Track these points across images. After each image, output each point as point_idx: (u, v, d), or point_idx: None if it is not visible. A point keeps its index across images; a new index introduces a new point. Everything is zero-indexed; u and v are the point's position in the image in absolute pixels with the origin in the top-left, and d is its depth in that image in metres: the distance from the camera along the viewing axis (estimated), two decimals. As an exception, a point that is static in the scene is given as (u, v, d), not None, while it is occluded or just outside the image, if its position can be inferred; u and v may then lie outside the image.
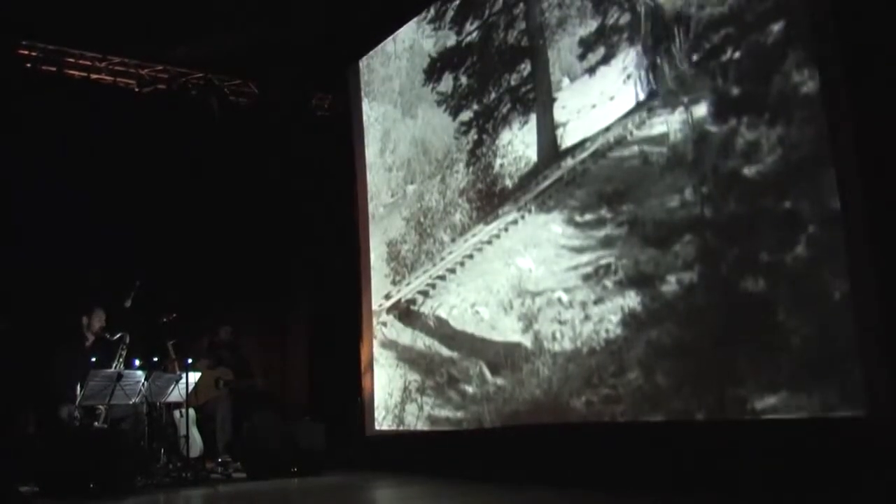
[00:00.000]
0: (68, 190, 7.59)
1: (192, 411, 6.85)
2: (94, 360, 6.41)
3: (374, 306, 7.70)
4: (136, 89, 8.38)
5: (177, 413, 6.89)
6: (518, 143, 6.06)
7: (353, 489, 6.16)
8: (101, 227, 7.65)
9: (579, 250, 5.39)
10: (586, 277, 5.31)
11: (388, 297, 7.50)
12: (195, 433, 6.97)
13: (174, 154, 8.10)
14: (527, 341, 5.75)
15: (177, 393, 6.46)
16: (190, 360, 6.66)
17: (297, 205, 9.04)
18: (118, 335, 6.57)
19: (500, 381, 5.98)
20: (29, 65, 7.83)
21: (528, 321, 5.74)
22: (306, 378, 9.01)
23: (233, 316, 8.31)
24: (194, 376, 6.60)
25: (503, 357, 5.96)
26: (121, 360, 6.51)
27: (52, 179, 7.53)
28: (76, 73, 8.11)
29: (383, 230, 7.65)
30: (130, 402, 6.23)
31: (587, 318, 5.27)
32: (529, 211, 5.87)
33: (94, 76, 8.19)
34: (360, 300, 7.92)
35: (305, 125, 9.06)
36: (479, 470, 5.92)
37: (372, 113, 8.07)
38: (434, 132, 6.97)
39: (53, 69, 7.95)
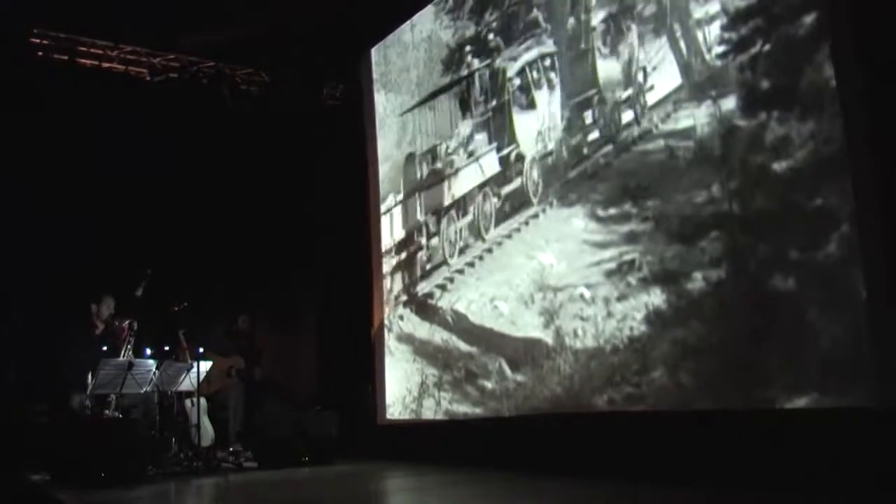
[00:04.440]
0: (79, 178, 7.59)
1: (203, 400, 6.82)
2: (104, 348, 6.42)
3: (390, 298, 7.62)
4: (148, 78, 8.35)
5: (188, 402, 6.86)
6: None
7: (366, 478, 6.10)
8: (112, 216, 7.66)
9: (602, 245, 5.30)
10: (609, 273, 5.22)
11: (404, 290, 7.43)
12: (206, 422, 6.94)
13: (185, 142, 8.06)
14: (548, 337, 5.67)
15: (188, 382, 6.45)
16: (202, 349, 6.62)
17: (308, 194, 9.00)
18: (126, 322, 6.57)
19: (519, 377, 5.91)
20: (41, 53, 7.82)
21: (550, 317, 5.66)
22: (316, 366, 8.97)
23: (243, 305, 8.30)
24: (206, 365, 6.57)
25: (523, 353, 5.88)
26: (129, 346, 6.48)
27: (64, 167, 7.51)
28: (88, 61, 8.09)
29: (400, 221, 7.56)
30: (142, 391, 6.21)
31: (610, 314, 5.18)
32: (551, 205, 5.77)
33: (105, 65, 8.16)
34: (371, 289, 7.87)
35: (317, 114, 9.00)
36: (491, 458, 5.88)
37: (388, 104, 7.97)
38: (454, 123, 6.88)
39: (65, 58, 7.93)
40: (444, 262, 6.87)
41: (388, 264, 7.74)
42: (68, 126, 7.56)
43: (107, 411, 6.22)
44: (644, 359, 4.91)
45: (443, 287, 6.83)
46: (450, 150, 6.94)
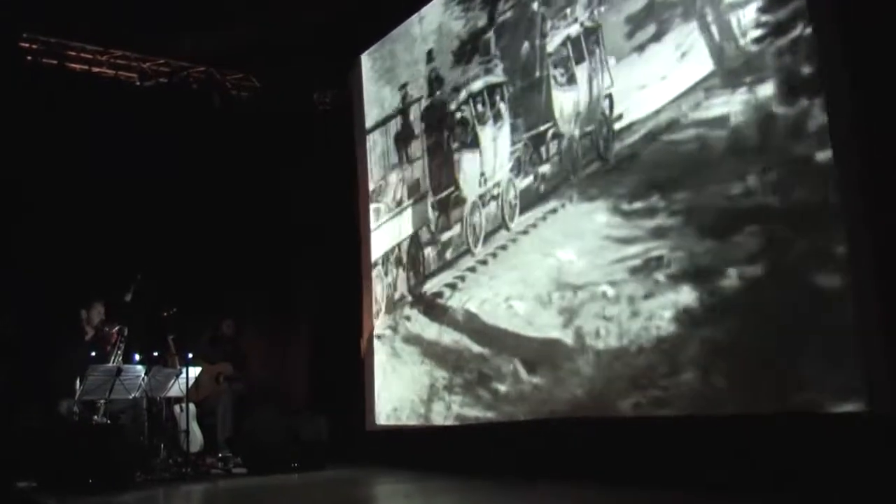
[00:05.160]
0: (69, 182, 7.49)
1: (192, 406, 6.80)
2: (93, 354, 6.36)
3: (394, 299, 7.34)
4: (138, 83, 8.30)
5: (177, 408, 6.84)
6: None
7: (356, 484, 6.07)
8: (102, 221, 7.54)
9: (627, 241, 5.04)
10: (634, 270, 4.95)
11: (410, 289, 7.15)
12: (195, 428, 6.92)
13: (175, 147, 7.93)
14: (567, 338, 5.40)
15: (177, 387, 6.42)
16: (191, 355, 6.60)
17: (299, 199, 8.82)
18: (116, 328, 6.55)
19: (536, 379, 5.64)
20: (30, 58, 7.74)
21: (569, 316, 5.39)
22: (307, 371, 8.86)
23: (234, 310, 8.26)
24: (195, 371, 6.55)
25: (540, 354, 5.61)
26: (119, 352, 6.44)
27: (53, 172, 7.41)
28: (77, 66, 8.04)
29: (406, 219, 7.28)
30: (130, 397, 6.19)
31: (635, 314, 4.91)
32: (571, 199, 5.51)
33: (95, 69, 8.11)
34: (360, 294, 7.83)
35: (307, 119, 8.93)
36: (499, 464, 5.73)
37: (394, 100, 7.68)
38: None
39: (55, 62, 7.86)
40: (455, 260, 6.60)
41: (388, 265, 7.49)
42: (58, 130, 7.45)
43: (95, 417, 6.17)
44: (673, 360, 4.65)
45: (453, 286, 6.56)
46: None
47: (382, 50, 7.88)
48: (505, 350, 5.92)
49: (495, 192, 6.42)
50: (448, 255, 6.70)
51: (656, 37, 5.01)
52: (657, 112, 4.95)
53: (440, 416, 6.54)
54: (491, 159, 6.65)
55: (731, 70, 4.53)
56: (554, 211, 5.63)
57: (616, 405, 5.01)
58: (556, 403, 5.45)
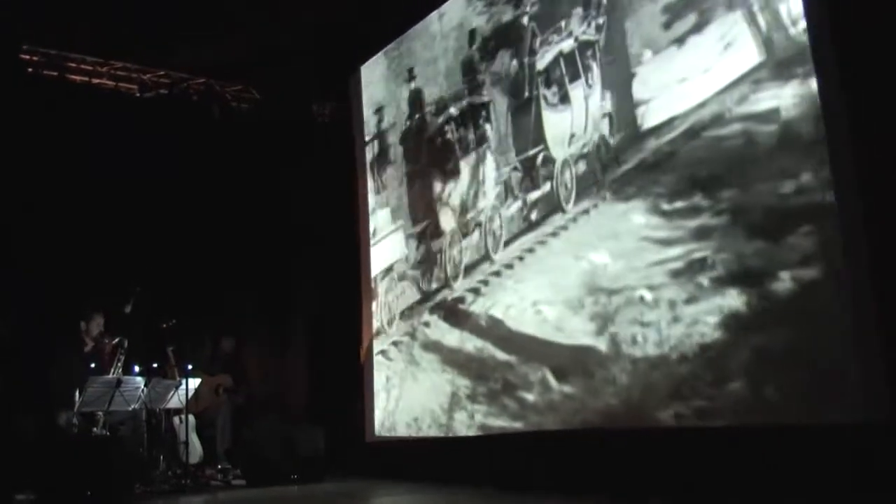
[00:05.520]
0: (68, 193, 7.47)
1: (191, 417, 6.80)
2: (92, 365, 6.35)
3: (411, 303, 7.07)
4: (138, 94, 8.30)
5: (176, 419, 6.83)
6: (578, 126, 5.45)
7: (355, 497, 6.11)
8: (101, 232, 7.53)
9: (667, 242, 4.77)
10: (676, 273, 4.69)
11: (428, 295, 6.88)
12: (195, 439, 6.92)
13: (175, 159, 7.92)
14: (601, 345, 5.12)
15: (176, 399, 6.42)
16: (190, 367, 6.60)
17: (297, 208, 8.80)
18: (116, 339, 6.55)
19: (567, 388, 5.37)
20: (31, 70, 7.76)
21: (603, 322, 5.12)
22: (306, 383, 8.84)
23: (232, 320, 8.30)
24: (194, 382, 6.55)
25: (571, 362, 5.34)
26: (119, 364, 6.44)
27: (53, 182, 7.39)
28: (78, 77, 8.05)
29: (422, 222, 7.01)
30: (129, 409, 6.17)
31: (676, 319, 4.65)
32: (604, 199, 5.25)
33: (95, 81, 8.13)
34: (360, 305, 7.78)
35: (306, 131, 8.93)
36: (484, 477, 5.76)
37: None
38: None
39: (55, 74, 7.88)
40: (477, 264, 6.33)
41: (403, 270, 7.26)
42: (58, 141, 7.43)
43: (95, 429, 6.16)
44: (719, 368, 4.38)
45: (476, 291, 6.30)
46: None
47: (400, 48, 7.62)
48: (532, 357, 5.65)
49: (481, 218, 6.43)
50: (469, 258, 6.43)
51: (697, 28, 4.75)
52: (699, 106, 4.69)
53: (463, 425, 6.26)
54: (474, 185, 6.62)
55: (781, 61, 4.27)
56: (586, 212, 5.37)
57: (655, 415, 4.73)
58: (588, 413, 5.18)
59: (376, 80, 7.85)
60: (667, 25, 4.96)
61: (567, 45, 5.86)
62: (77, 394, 6.04)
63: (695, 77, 4.74)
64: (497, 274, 6.07)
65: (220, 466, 7.18)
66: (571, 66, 5.84)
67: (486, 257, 6.24)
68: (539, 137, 6.06)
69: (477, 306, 6.25)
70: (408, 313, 7.10)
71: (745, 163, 4.39)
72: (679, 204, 4.72)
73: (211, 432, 7.30)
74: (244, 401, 7.80)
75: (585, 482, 5.02)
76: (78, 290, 7.10)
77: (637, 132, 5.10)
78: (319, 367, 8.64)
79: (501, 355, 5.94)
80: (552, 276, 5.57)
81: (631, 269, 4.98)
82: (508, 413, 5.84)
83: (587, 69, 5.66)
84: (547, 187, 5.91)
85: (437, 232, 6.94)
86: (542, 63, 6.10)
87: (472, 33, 7.10)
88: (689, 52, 4.79)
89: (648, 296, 4.84)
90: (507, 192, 6.30)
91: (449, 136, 7.11)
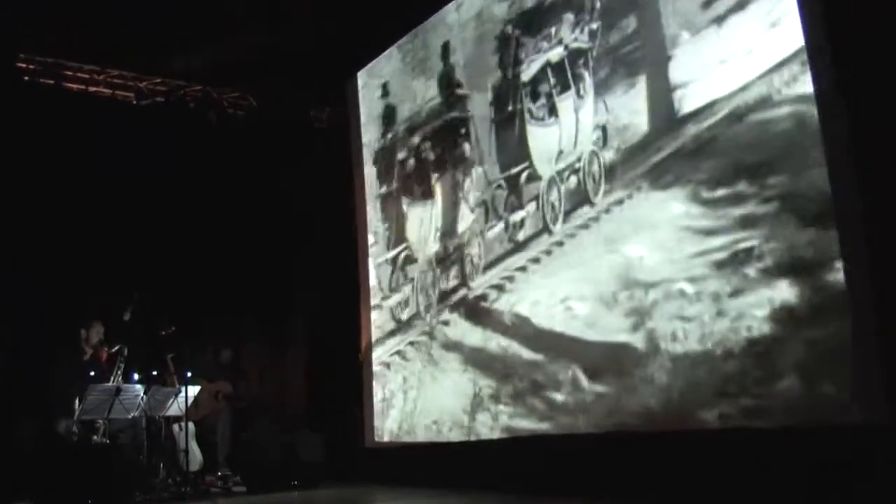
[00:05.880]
0: (66, 203, 7.43)
1: (191, 425, 6.79)
2: (92, 373, 6.33)
3: (429, 301, 6.82)
4: (135, 102, 8.29)
5: (176, 427, 6.81)
6: (622, 112, 5.19)
7: (355, 503, 6.16)
8: (100, 239, 7.50)
9: (709, 232, 4.51)
10: (720, 265, 4.43)
11: (446, 294, 6.62)
12: (194, 447, 6.89)
13: (173, 166, 7.89)
14: (637, 341, 4.86)
15: (176, 407, 6.40)
16: (189, 374, 6.56)
17: (295, 216, 8.77)
18: (116, 347, 6.52)
19: (600, 387, 5.11)
20: (27, 78, 7.75)
21: (639, 318, 4.86)
22: (305, 388, 8.83)
23: (231, 327, 8.31)
24: (193, 390, 6.53)
25: (604, 360, 5.08)
26: (119, 372, 6.42)
27: (51, 192, 7.36)
28: (74, 85, 8.03)
29: (438, 217, 6.76)
30: (129, 416, 6.14)
31: (721, 313, 4.39)
32: (639, 188, 4.99)
33: (92, 89, 8.11)
34: (358, 310, 7.75)
35: (304, 136, 8.93)
36: (481, 481, 5.77)
37: (427, 93, 7.15)
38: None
39: (52, 82, 7.87)
40: (500, 260, 6.08)
41: (421, 265, 7.00)
42: (55, 149, 7.39)
43: (95, 437, 6.11)
44: (769, 365, 4.12)
45: (499, 287, 6.04)
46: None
47: (415, 41, 7.38)
48: (562, 356, 5.39)
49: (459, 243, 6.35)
50: (493, 254, 6.19)
51: (739, 6, 4.50)
52: (742, 89, 4.44)
53: (486, 427, 6.00)
54: (449, 211, 6.63)
55: (835, 38, 4.02)
56: (619, 202, 5.11)
57: (697, 416, 4.47)
58: (623, 414, 4.91)
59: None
60: (706, 4, 4.72)
61: (555, 53, 5.73)
62: (77, 402, 5.99)
63: (737, 58, 4.49)
64: (523, 269, 5.81)
65: (220, 473, 7.15)
66: (560, 76, 5.73)
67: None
68: (523, 154, 5.97)
69: (501, 303, 5.99)
70: (436, 306, 6.81)
71: (793, 147, 4.14)
72: (722, 191, 4.47)
73: (211, 439, 7.26)
74: (245, 404, 7.75)
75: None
76: (77, 298, 7.10)
77: (674, 118, 4.85)
78: (319, 373, 8.61)
79: (528, 354, 5.68)
80: (583, 270, 5.32)
81: (669, 261, 4.72)
82: (536, 414, 5.57)
83: (578, 79, 5.57)
84: (532, 207, 5.83)
85: (411, 258, 7.09)
86: (527, 74, 5.93)
87: (446, 47, 7.00)
88: (731, 31, 4.54)
89: (689, 289, 4.58)
90: (489, 213, 6.25)
91: (424, 155, 7.08)
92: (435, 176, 6.90)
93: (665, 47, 4.93)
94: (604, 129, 5.35)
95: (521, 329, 5.75)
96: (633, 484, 4.71)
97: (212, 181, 8.15)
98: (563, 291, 5.45)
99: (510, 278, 5.93)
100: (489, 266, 6.14)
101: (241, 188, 8.35)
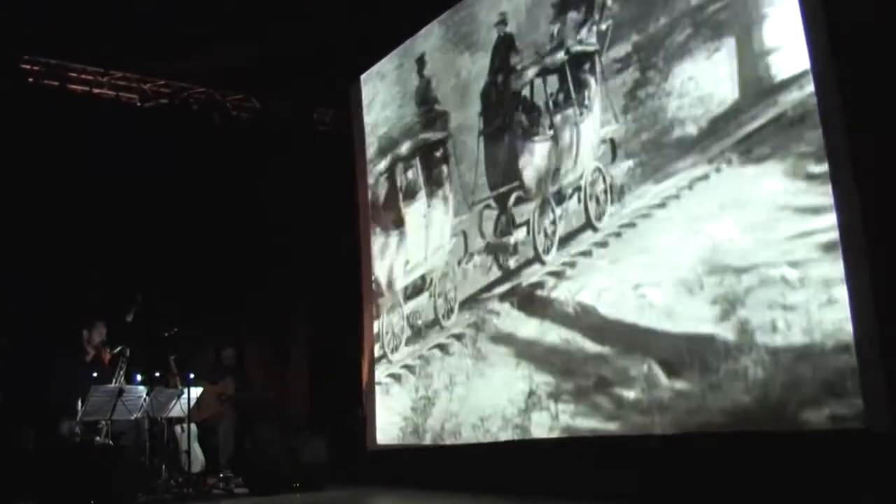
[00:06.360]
0: (70, 204, 7.44)
1: (193, 426, 6.79)
2: (95, 374, 6.30)
3: (476, 290, 6.36)
4: (139, 104, 8.31)
5: (178, 428, 6.79)
6: (705, 78, 4.68)
7: None
8: (102, 241, 7.52)
9: (815, 211, 4.01)
10: (828, 247, 3.93)
11: (494, 283, 6.14)
12: (197, 448, 6.89)
13: (176, 168, 7.92)
14: (726, 333, 4.36)
15: (178, 408, 6.40)
16: (192, 375, 6.55)
17: (299, 217, 8.74)
18: (118, 348, 6.53)
19: (680, 384, 4.60)
20: (31, 79, 7.76)
21: (730, 306, 4.35)
22: (308, 391, 8.86)
23: (233, 329, 8.27)
24: (196, 391, 6.50)
25: (686, 353, 4.58)
26: (121, 373, 6.43)
27: (55, 193, 7.37)
28: (79, 87, 8.03)
29: (484, 195, 6.31)
30: (132, 418, 6.15)
31: (831, 301, 3.88)
32: (728, 162, 4.48)
33: (96, 91, 8.11)
34: (361, 313, 7.76)
35: (308, 139, 8.95)
36: (487, 483, 5.69)
37: (474, 68, 6.66)
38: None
39: (56, 84, 7.87)
40: (556, 245, 5.59)
41: (444, 252, 6.61)
42: (59, 150, 7.40)
43: (98, 438, 6.09)
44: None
45: (559, 274, 5.54)
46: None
47: (459, 14, 6.91)
48: (634, 349, 4.89)
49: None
50: (550, 241, 5.72)
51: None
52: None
53: (543, 427, 5.51)
54: (436, 236, 6.58)
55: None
56: (704, 177, 4.60)
57: (800, 417, 3.98)
58: (710, 414, 4.41)
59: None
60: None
61: (555, 59, 5.39)
62: (79, 403, 5.98)
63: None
64: (587, 254, 5.31)
65: (222, 475, 7.13)
66: (559, 84, 5.47)
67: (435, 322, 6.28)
68: (513, 173, 5.79)
69: (561, 292, 5.50)
70: (470, 303, 6.38)
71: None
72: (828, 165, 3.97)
73: (213, 440, 7.23)
74: (250, 401, 7.70)
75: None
76: (79, 299, 7.12)
77: (767, 85, 4.34)
78: (322, 374, 8.63)
79: (593, 347, 5.19)
80: (659, 254, 4.81)
81: (766, 244, 4.22)
82: (602, 413, 5.08)
83: (582, 86, 5.31)
84: (522, 233, 5.68)
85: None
86: (519, 83, 5.51)
87: (422, 59, 6.63)
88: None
89: (791, 274, 4.08)
90: (466, 244, 6.22)
91: (397, 179, 7.09)
92: (404, 205, 6.95)
93: (759, 5, 4.42)
94: (612, 142, 5.11)
95: (586, 319, 5.26)
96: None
97: (215, 183, 8.17)
98: (636, 278, 4.95)
99: (571, 264, 5.43)
100: (471, 298, 6.17)
101: (244, 190, 8.40)
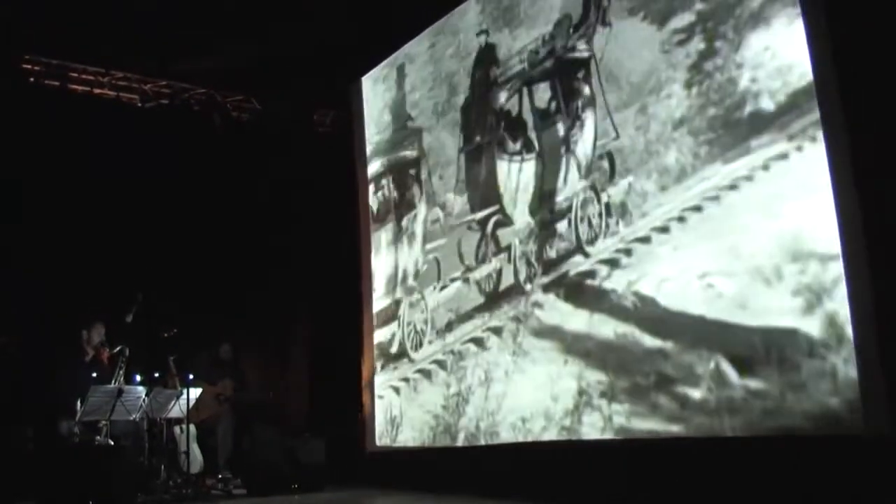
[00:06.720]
0: (70, 203, 7.44)
1: (192, 427, 6.84)
2: (94, 374, 6.31)
3: (514, 281, 5.94)
4: (139, 104, 8.34)
5: (177, 429, 6.85)
6: (784, 48, 4.26)
7: None
8: (102, 241, 7.51)
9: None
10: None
11: (535, 274, 5.73)
12: (195, 449, 6.96)
13: (176, 168, 7.93)
14: (810, 327, 3.95)
15: (177, 409, 6.42)
16: (191, 376, 6.60)
17: (299, 217, 8.80)
18: (117, 348, 6.56)
19: (754, 383, 4.19)
20: (32, 79, 7.78)
21: (815, 297, 3.94)
22: (307, 393, 8.89)
23: (233, 330, 8.25)
24: (195, 392, 6.53)
25: (761, 349, 4.16)
26: (120, 373, 6.46)
27: (55, 193, 7.38)
28: (79, 87, 8.05)
29: (528, 176, 5.87)
30: (131, 418, 6.17)
31: (936, 291, 3.47)
32: (813, 139, 4.06)
33: (97, 91, 8.14)
34: (360, 313, 7.72)
35: (309, 139, 8.99)
36: (491, 486, 5.64)
37: (515, 42, 6.19)
38: (625, 49, 5.18)
39: (57, 84, 7.89)
40: (613, 230, 5.17)
41: (467, 239, 6.21)
42: (59, 150, 7.39)
43: (98, 438, 6.12)
44: None
45: (613, 262, 5.12)
46: (623, 84, 5.24)
47: (451, 20, 6.59)
48: (700, 344, 4.48)
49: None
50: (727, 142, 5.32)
51: None
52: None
53: (595, 428, 5.10)
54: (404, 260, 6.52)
55: None
56: (783, 156, 4.18)
57: (898, 420, 3.56)
58: (790, 416, 4.00)
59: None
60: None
61: (542, 68, 5.10)
62: (79, 403, 5.98)
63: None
64: (645, 240, 4.90)
65: (220, 476, 7.19)
66: (547, 96, 5.16)
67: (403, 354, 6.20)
68: (492, 195, 5.56)
69: (615, 281, 5.08)
70: (525, 287, 5.94)
71: None
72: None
73: (212, 441, 7.31)
74: (250, 403, 7.76)
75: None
76: (79, 299, 7.09)
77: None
78: (321, 374, 8.63)
79: (652, 341, 4.77)
80: (730, 239, 4.40)
81: (858, 228, 3.80)
82: (663, 414, 4.67)
83: (574, 96, 5.03)
84: (502, 259, 5.51)
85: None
86: (501, 97, 5.14)
87: (401, 70, 6.56)
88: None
89: (888, 261, 3.67)
90: (439, 272, 6.10)
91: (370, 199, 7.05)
92: (374, 226, 6.99)
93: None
94: (610, 155, 4.86)
95: (644, 311, 4.84)
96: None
97: (215, 183, 8.16)
98: (702, 266, 4.53)
99: (627, 251, 5.02)
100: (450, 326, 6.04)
101: (245, 191, 8.41)
